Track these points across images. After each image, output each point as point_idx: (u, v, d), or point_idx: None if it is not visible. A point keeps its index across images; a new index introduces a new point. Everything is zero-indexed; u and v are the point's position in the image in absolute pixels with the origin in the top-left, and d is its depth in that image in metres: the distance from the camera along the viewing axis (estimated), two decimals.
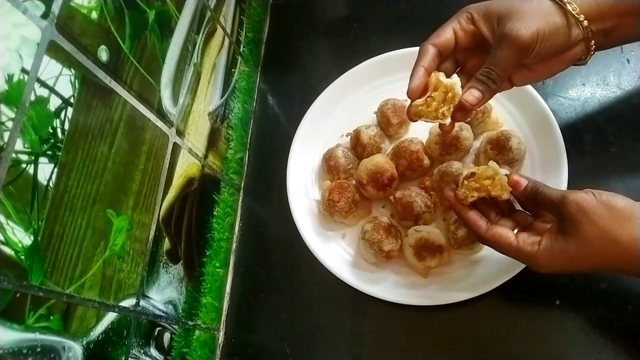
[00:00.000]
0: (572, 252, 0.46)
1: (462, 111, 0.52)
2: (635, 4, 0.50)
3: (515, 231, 0.52)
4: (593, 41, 0.51)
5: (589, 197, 0.45)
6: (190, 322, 0.64)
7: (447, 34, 0.53)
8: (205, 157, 0.70)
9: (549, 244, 0.48)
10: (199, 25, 0.67)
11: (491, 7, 0.52)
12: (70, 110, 0.45)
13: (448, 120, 0.52)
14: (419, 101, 0.52)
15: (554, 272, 0.49)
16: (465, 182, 0.52)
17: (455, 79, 0.51)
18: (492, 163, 0.52)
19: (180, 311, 0.62)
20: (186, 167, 0.64)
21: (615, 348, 0.56)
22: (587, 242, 0.45)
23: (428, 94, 0.52)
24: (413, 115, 0.54)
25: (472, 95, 0.51)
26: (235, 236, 0.77)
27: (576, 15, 0.49)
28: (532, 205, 0.52)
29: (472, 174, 0.52)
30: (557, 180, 0.61)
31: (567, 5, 0.49)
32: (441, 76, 0.51)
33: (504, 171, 0.52)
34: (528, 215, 0.54)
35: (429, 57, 0.53)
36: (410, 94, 0.53)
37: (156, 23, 0.57)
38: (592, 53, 0.53)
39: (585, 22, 0.50)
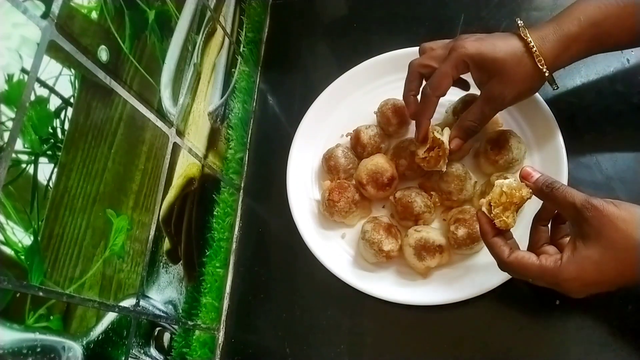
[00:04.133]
0: (596, 257, 0.44)
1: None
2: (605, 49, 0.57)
3: None
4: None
5: (610, 205, 0.44)
6: (190, 322, 0.64)
7: (447, 84, 0.58)
8: (205, 157, 0.70)
9: (571, 253, 0.46)
10: (198, 25, 0.67)
11: (485, 61, 0.55)
12: (70, 110, 0.45)
13: (444, 169, 0.62)
14: (420, 154, 0.62)
15: (584, 288, 0.46)
16: (493, 214, 0.52)
17: (445, 137, 0.61)
18: (495, 181, 0.53)
19: (180, 311, 0.62)
20: (186, 167, 0.64)
21: (615, 348, 0.55)
22: (611, 246, 0.44)
23: (426, 148, 0.61)
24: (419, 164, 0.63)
25: (456, 144, 0.61)
26: (235, 236, 0.77)
27: (552, 86, 0.58)
28: (547, 201, 0.51)
29: (489, 204, 0.52)
30: (557, 179, 0.61)
31: (548, 78, 0.56)
32: (436, 132, 0.60)
33: (507, 181, 0.52)
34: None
35: (433, 108, 0.60)
36: (419, 144, 0.62)
37: (156, 23, 0.57)
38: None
39: (556, 88, 0.59)
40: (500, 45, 0.55)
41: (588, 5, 0.54)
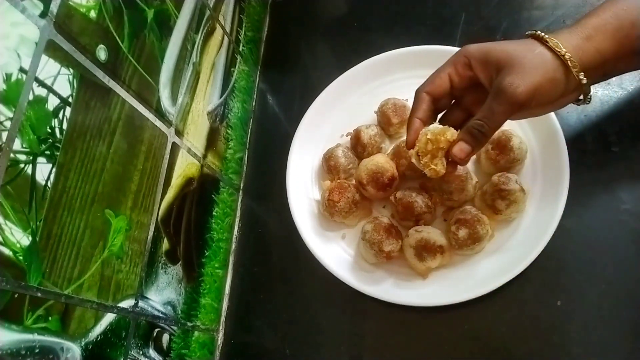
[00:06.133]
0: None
1: (452, 164, 0.55)
2: (635, 47, 0.49)
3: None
4: (590, 92, 0.51)
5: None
6: (189, 323, 0.64)
7: (442, 80, 0.54)
8: (205, 157, 0.70)
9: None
10: (198, 24, 0.67)
11: (490, 54, 0.51)
12: (68, 109, 0.45)
13: (442, 172, 0.54)
14: (412, 152, 0.55)
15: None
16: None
17: (433, 128, 0.54)
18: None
19: (179, 312, 0.62)
20: (185, 167, 0.64)
21: (616, 349, 0.55)
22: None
23: (416, 149, 0.54)
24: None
25: (461, 149, 0.52)
26: (234, 236, 0.77)
27: (579, 76, 0.49)
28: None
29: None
30: (559, 179, 0.61)
31: (569, 61, 0.48)
32: (429, 134, 0.53)
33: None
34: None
35: (424, 106, 0.55)
36: (409, 147, 0.55)
37: (155, 22, 0.57)
38: (588, 100, 0.52)
39: (585, 80, 0.49)
40: (506, 42, 0.52)
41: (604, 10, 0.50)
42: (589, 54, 0.49)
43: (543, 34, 0.50)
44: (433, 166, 0.52)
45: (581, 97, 0.53)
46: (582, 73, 0.49)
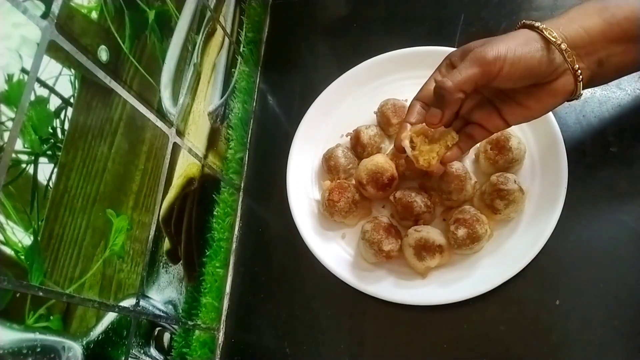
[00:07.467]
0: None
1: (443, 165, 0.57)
2: (625, 30, 0.49)
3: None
4: (580, 70, 0.49)
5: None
6: (190, 322, 0.64)
7: (429, 85, 0.55)
8: (205, 157, 0.70)
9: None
10: (198, 25, 0.67)
11: (468, 47, 0.53)
12: (70, 110, 0.45)
13: (433, 168, 0.56)
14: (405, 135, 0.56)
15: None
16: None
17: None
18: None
19: (180, 311, 0.62)
20: (186, 167, 0.64)
21: (614, 349, 0.56)
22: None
23: (410, 132, 0.56)
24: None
25: (432, 114, 0.52)
26: (235, 236, 0.77)
27: (552, 38, 0.47)
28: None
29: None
30: (557, 179, 0.61)
31: (544, 31, 0.48)
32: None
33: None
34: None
35: (414, 112, 0.56)
36: (397, 149, 0.57)
37: (156, 23, 0.57)
38: (580, 82, 0.50)
39: (564, 45, 0.48)
40: (487, 38, 0.52)
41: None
42: (571, 30, 0.48)
43: (524, 21, 0.51)
44: (430, 158, 0.54)
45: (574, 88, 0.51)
46: (560, 38, 0.48)
